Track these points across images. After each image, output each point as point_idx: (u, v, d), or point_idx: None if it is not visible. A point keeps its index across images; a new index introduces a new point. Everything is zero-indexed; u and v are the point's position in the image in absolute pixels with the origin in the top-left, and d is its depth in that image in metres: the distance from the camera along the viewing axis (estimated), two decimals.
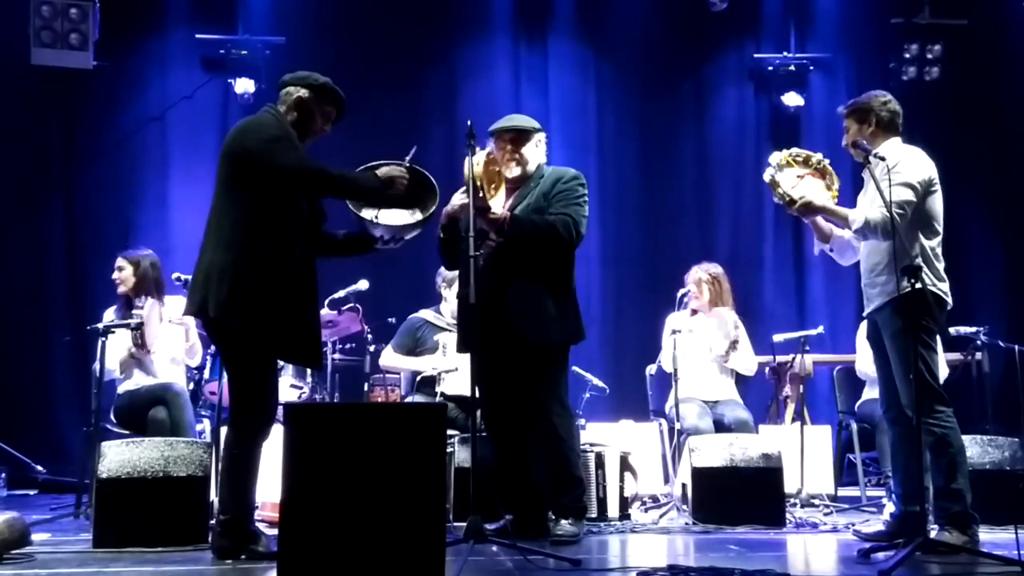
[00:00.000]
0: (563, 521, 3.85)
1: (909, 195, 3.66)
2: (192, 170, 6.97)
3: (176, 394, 4.79)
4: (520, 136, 4.07)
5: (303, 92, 3.50)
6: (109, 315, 5.00)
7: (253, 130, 3.41)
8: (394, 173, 3.49)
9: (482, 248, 3.80)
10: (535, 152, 4.11)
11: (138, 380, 4.93)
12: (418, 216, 3.63)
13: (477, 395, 3.69)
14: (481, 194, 3.81)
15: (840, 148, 4.00)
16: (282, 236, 3.37)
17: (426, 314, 5.39)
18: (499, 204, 3.96)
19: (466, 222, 3.69)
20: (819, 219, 3.91)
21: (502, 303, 3.88)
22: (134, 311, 4.81)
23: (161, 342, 4.97)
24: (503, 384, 4.00)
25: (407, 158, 3.58)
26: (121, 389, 4.96)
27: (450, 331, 5.23)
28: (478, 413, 3.82)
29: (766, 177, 3.92)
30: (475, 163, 3.77)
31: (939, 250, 3.77)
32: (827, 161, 3.96)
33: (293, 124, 3.48)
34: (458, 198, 3.88)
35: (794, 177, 3.90)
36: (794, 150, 3.99)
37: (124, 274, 5.01)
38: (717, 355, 5.37)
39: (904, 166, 3.70)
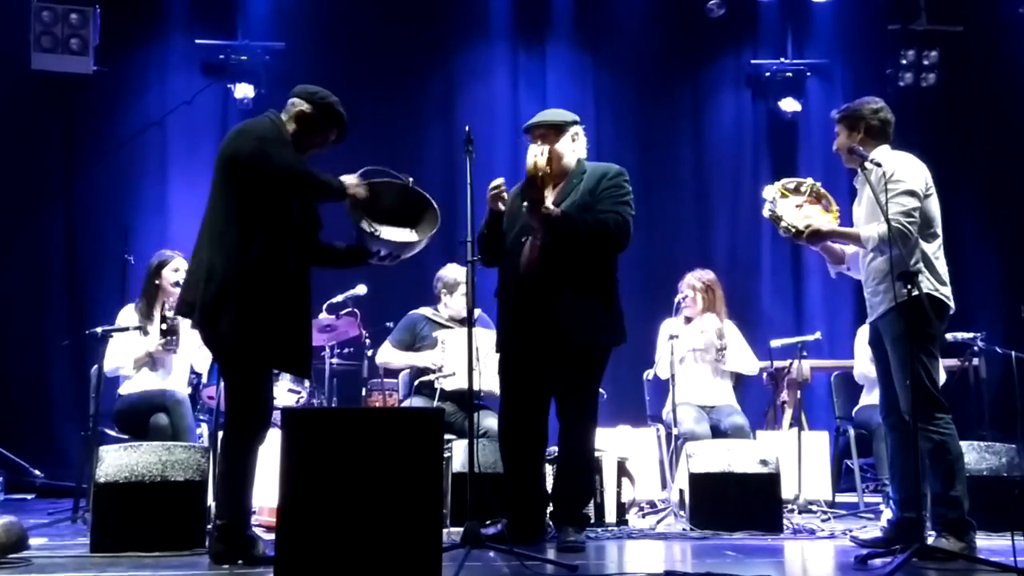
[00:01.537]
0: (570, 528, 3.84)
1: (914, 202, 3.66)
2: (191, 175, 6.97)
3: (178, 402, 4.78)
4: (552, 131, 3.98)
5: (305, 107, 3.51)
6: (128, 313, 4.97)
7: (247, 131, 3.43)
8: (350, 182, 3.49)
9: (526, 239, 3.74)
10: (571, 147, 4.01)
11: (143, 382, 4.91)
12: (417, 237, 3.64)
13: (481, 398, 3.68)
14: (539, 183, 3.73)
15: (834, 151, 3.99)
16: (274, 240, 3.38)
17: (425, 311, 5.39)
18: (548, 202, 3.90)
19: (513, 215, 3.64)
20: (829, 243, 3.90)
21: (549, 305, 3.81)
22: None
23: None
24: (531, 387, 3.97)
25: (410, 181, 3.60)
26: (123, 391, 4.94)
27: (449, 327, 5.23)
28: (476, 416, 3.82)
29: (765, 213, 3.90)
30: (538, 155, 3.71)
31: (940, 253, 3.76)
32: (819, 184, 3.96)
33: (294, 136, 3.50)
34: (494, 186, 3.84)
35: (793, 207, 3.88)
36: (783, 180, 3.98)
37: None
38: (711, 360, 5.38)
39: (901, 174, 3.70)
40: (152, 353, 4.87)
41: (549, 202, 3.85)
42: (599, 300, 3.88)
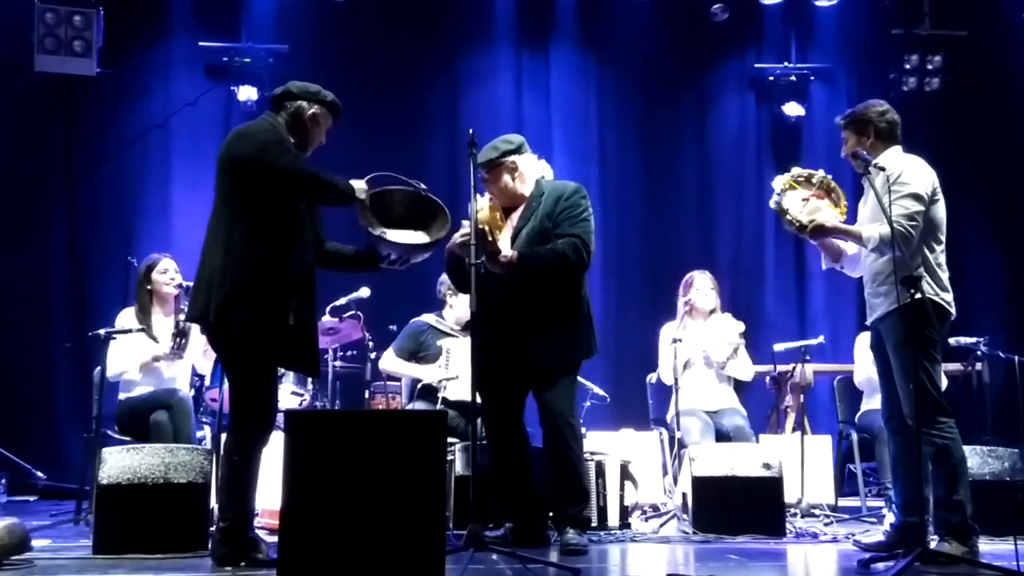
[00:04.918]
0: (570, 531, 3.84)
1: (918, 206, 3.65)
2: (195, 177, 6.98)
3: (181, 399, 4.78)
4: (490, 170, 3.97)
5: (316, 109, 3.53)
6: (126, 316, 4.95)
7: (249, 135, 3.43)
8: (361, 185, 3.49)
9: (482, 259, 3.78)
10: (513, 178, 3.97)
11: (146, 386, 4.89)
12: (427, 239, 3.63)
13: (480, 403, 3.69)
14: (490, 238, 3.74)
15: (843, 157, 3.98)
16: (281, 241, 3.38)
17: (429, 318, 5.38)
18: (505, 243, 3.90)
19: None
20: (830, 239, 3.90)
21: (513, 328, 3.86)
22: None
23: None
24: (508, 395, 3.99)
25: (422, 188, 3.60)
26: (124, 395, 4.92)
27: (454, 336, 5.22)
28: (479, 421, 3.82)
29: (772, 205, 3.87)
30: (479, 208, 3.69)
31: (942, 259, 3.75)
32: (829, 177, 3.93)
33: (299, 136, 3.51)
34: (459, 237, 3.84)
35: (799, 200, 3.85)
36: (795, 171, 3.94)
37: (179, 277, 4.97)
38: (716, 362, 5.36)
39: (908, 176, 3.69)
40: (159, 358, 4.85)
41: (506, 241, 3.87)
42: (563, 320, 3.89)
